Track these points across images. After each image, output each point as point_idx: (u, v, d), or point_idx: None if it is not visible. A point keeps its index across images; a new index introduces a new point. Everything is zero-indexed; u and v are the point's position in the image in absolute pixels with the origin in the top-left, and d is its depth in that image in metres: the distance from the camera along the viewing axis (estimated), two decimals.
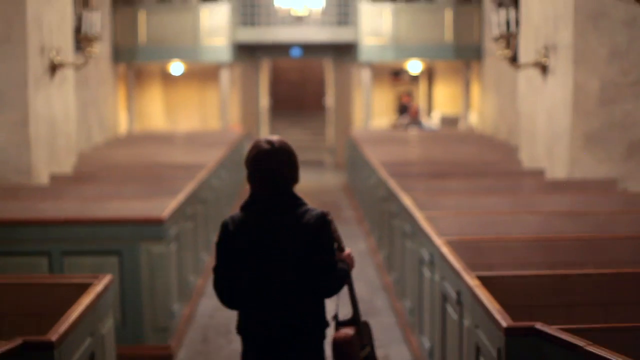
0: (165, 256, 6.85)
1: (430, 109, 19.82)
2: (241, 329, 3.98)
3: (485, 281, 4.64)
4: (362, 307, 8.67)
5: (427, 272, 6.28)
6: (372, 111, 18.56)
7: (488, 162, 11.03)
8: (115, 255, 6.76)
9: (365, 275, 9.64)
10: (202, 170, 10.00)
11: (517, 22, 9.61)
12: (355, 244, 11.25)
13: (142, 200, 8.01)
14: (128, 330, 6.78)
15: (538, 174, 9.68)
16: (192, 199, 8.57)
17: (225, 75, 17.66)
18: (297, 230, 3.86)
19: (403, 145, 14.07)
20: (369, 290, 9.07)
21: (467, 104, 17.61)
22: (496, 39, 9.69)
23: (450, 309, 5.30)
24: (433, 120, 18.62)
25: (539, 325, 3.66)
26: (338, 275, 3.94)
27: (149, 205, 7.80)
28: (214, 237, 11.01)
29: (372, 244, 10.89)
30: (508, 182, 8.92)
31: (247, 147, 16.17)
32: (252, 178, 3.92)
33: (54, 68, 9.68)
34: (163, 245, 6.82)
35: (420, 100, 19.94)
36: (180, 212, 7.68)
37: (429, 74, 19.99)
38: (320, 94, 24.66)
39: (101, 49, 15.73)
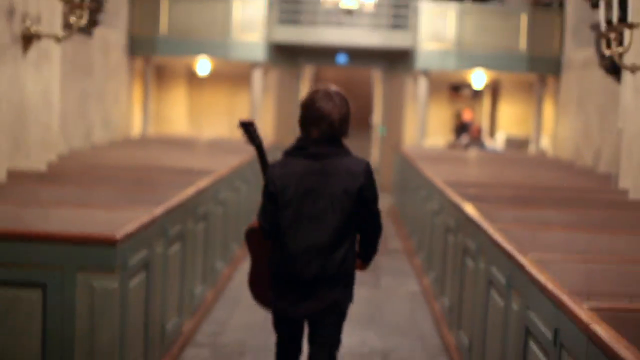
0: (115, 295, 4.35)
1: (493, 129, 17.15)
2: (274, 267, 4.08)
3: None
4: None
5: (541, 355, 3.70)
6: (426, 129, 15.95)
7: (582, 190, 8.44)
8: (38, 288, 4.30)
9: (418, 330, 7.10)
10: (207, 177, 7.53)
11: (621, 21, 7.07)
12: (404, 284, 8.70)
13: (110, 210, 5.56)
14: None
15: None
16: (183, 212, 6.10)
17: (257, 77, 15.16)
18: (344, 177, 3.96)
19: (466, 165, 11.52)
20: (424, 353, 6.52)
21: (538, 125, 14.93)
22: (602, 37, 7.05)
23: None
24: (497, 142, 15.97)
25: None
26: (380, 223, 4.20)
27: (115, 217, 5.35)
28: (219, 265, 8.56)
29: (428, 286, 8.32)
30: (618, 215, 6.36)
31: (276, 157, 13.38)
32: (304, 120, 3.99)
33: (28, 39, 7.31)
34: (113, 279, 4.33)
35: (482, 120, 17.31)
36: (156, 231, 5.20)
37: (493, 90, 17.31)
38: (366, 110, 22.23)
39: (115, 37, 13.44)
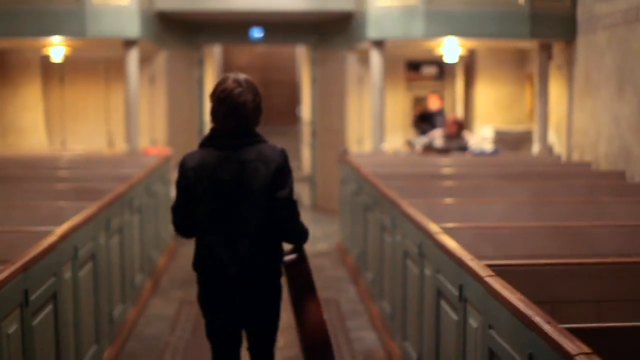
0: None
1: (469, 120, 12.58)
2: (198, 266, 3.92)
3: None
4: None
5: None
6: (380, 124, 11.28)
7: None
8: None
9: None
10: None
11: None
12: None
13: None
14: None
15: None
16: None
17: (132, 61, 10.29)
18: (258, 166, 3.83)
19: (465, 194, 7.00)
20: None
21: (544, 114, 10.43)
22: None
23: None
24: (480, 139, 11.47)
25: None
26: (296, 212, 3.88)
27: None
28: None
29: None
30: None
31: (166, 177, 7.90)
32: (215, 114, 3.89)
33: None
34: None
35: (455, 109, 12.72)
36: None
37: (467, 66, 12.72)
38: (292, 99, 17.81)
39: None
